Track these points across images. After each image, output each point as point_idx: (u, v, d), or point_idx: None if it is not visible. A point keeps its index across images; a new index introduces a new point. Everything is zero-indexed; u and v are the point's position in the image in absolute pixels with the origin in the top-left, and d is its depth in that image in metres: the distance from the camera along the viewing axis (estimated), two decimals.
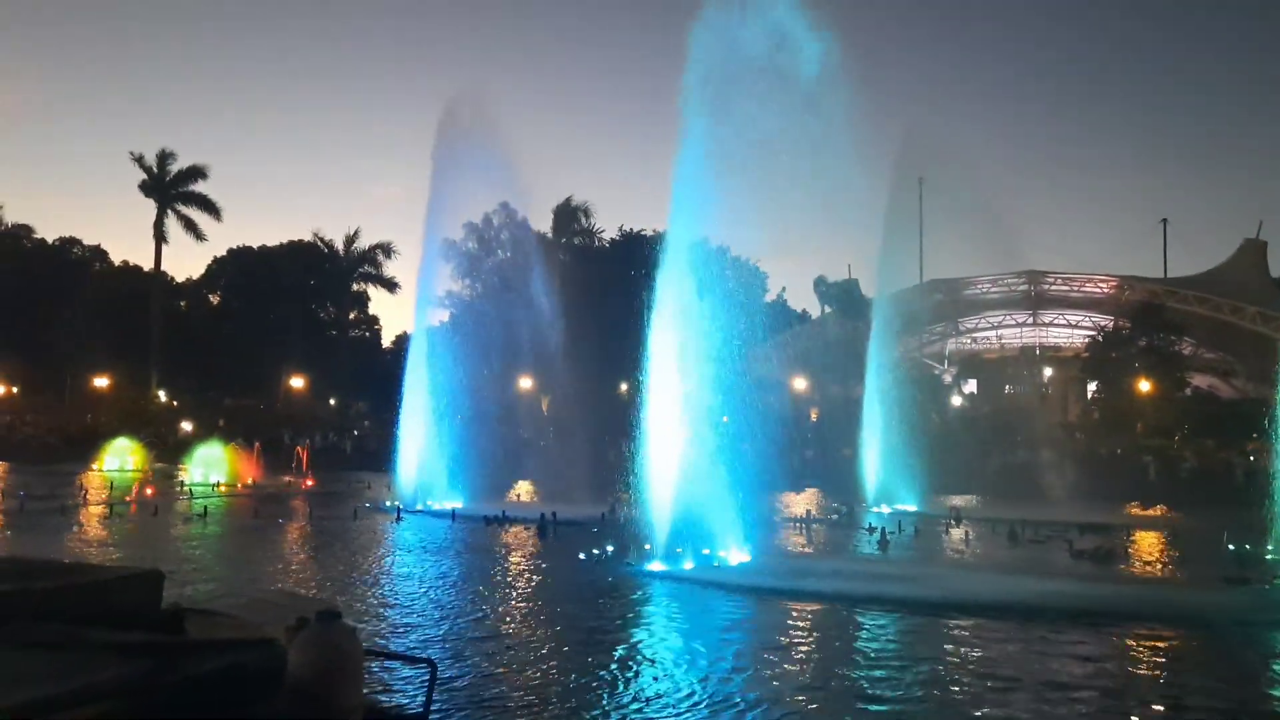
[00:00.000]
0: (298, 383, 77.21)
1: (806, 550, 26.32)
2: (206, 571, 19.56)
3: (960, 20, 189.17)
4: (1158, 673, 13.17)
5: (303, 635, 3.95)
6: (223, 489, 40.63)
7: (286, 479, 45.30)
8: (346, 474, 49.71)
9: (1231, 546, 26.20)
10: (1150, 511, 40.88)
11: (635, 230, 76.70)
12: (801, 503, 38.62)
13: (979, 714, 10.85)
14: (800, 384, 67.39)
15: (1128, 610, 16.94)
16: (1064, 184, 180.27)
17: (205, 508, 31.35)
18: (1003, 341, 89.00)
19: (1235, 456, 53.46)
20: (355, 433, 70.42)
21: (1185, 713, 11.09)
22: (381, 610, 15.90)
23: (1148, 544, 30.09)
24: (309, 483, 44.29)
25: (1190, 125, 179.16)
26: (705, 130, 22.50)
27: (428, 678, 4.43)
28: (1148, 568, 24.84)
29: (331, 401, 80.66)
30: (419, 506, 33.80)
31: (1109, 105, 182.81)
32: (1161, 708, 11.24)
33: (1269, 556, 25.20)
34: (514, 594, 18.32)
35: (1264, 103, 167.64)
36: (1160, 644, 14.71)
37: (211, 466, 44.76)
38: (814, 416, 64.35)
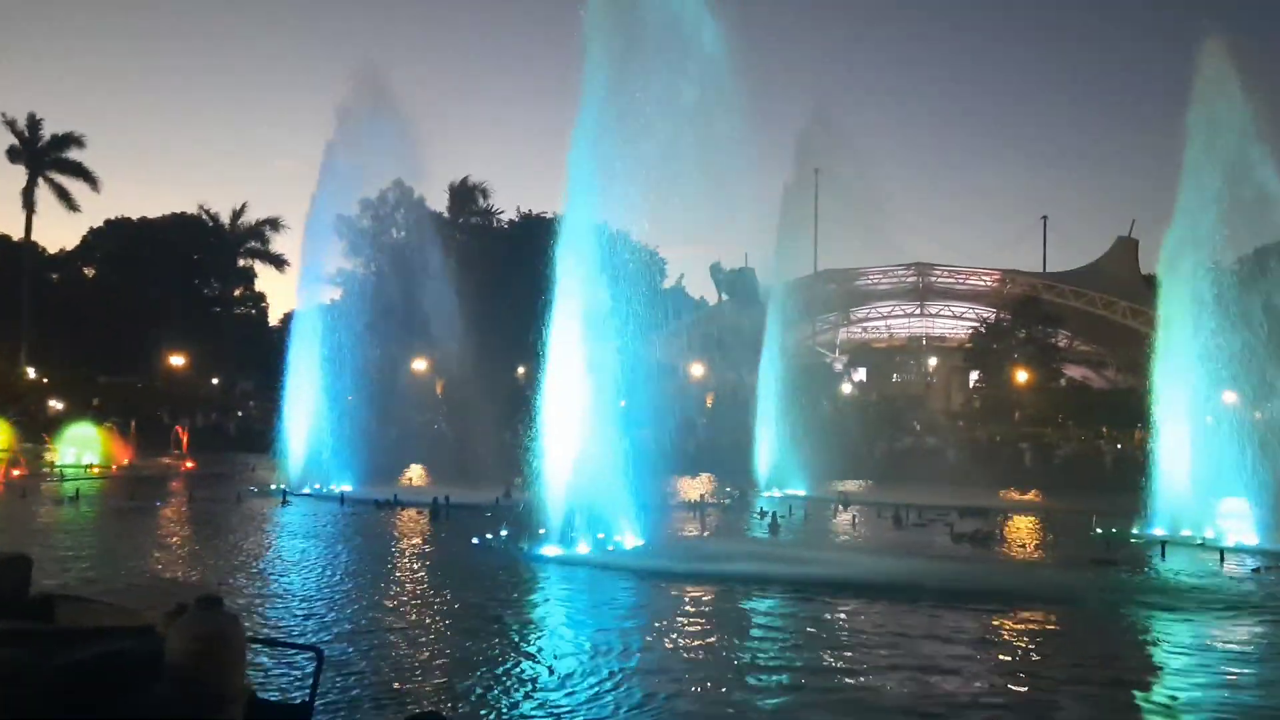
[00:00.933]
0: (178, 360, 74.31)
1: (700, 534, 26.65)
2: (79, 557, 18.71)
3: (855, 17, 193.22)
4: (1028, 645, 13.82)
5: (181, 622, 3.82)
6: (96, 470, 38.86)
7: (164, 460, 43.60)
8: (230, 455, 48.14)
9: (1099, 530, 27.60)
10: (1026, 496, 42.70)
11: (535, 212, 76.16)
12: (696, 487, 39.08)
13: (855, 682, 11.24)
14: (697, 370, 68.10)
15: (1002, 590, 17.72)
16: (952, 180, 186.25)
17: (77, 490, 29.98)
18: (891, 331, 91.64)
19: (1105, 444, 56.27)
20: (240, 413, 68.21)
21: (1050, 684, 11.66)
22: (265, 597, 15.49)
23: (1023, 527, 31.46)
24: (189, 464, 42.75)
25: (1070, 126, 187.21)
26: (602, 114, 22.42)
27: (314, 665, 4.34)
28: (1022, 550, 25.97)
29: (215, 380, 77.88)
30: (306, 490, 32.95)
31: (994, 104, 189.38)
32: (1028, 683, 11.78)
33: (1134, 539, 26.60)
34: (404, 579, 18.07)
35: (1139, 106, 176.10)
36: (1032, 623, 15.41)
37: (84, 447, 42.68)
38: (709, 402, 65.10)
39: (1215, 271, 28.55)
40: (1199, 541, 25.79)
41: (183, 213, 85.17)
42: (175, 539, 22.61)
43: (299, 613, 14.25)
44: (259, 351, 70.57)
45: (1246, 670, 12.97)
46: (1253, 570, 21.59)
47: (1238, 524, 26.35)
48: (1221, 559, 22.74)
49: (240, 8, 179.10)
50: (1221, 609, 16.91)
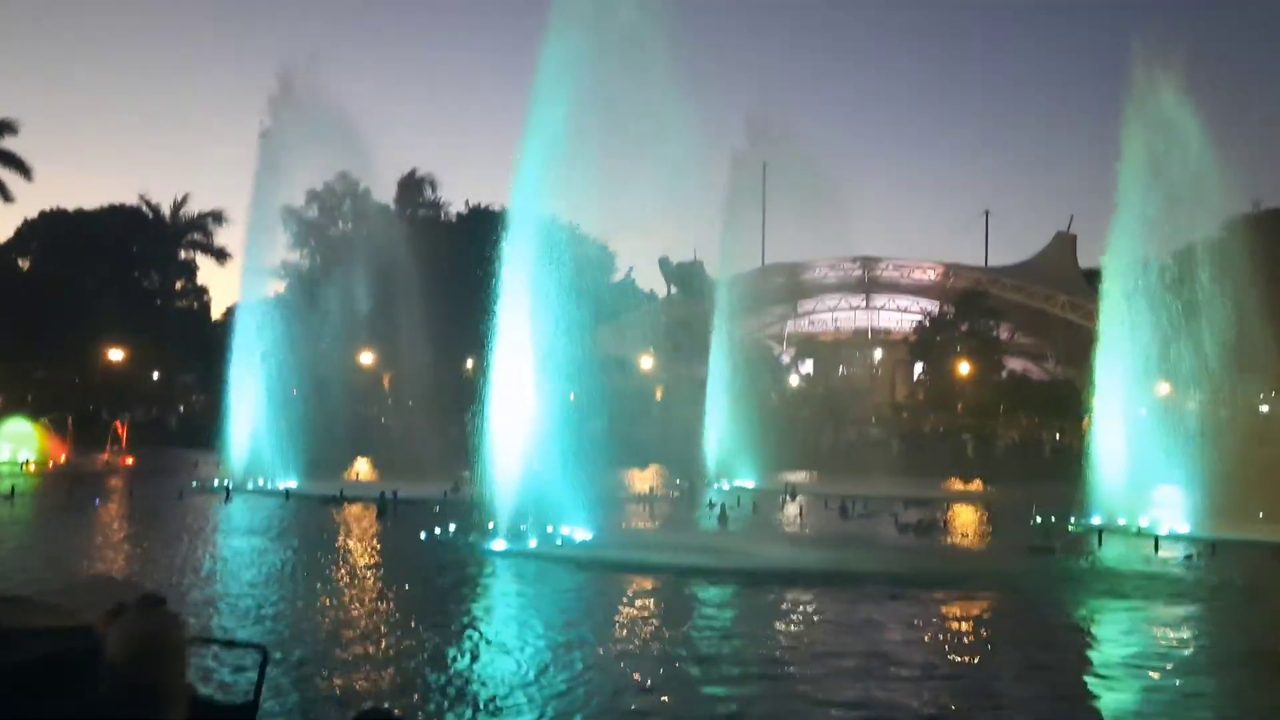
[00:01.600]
0: (117, 354, 72.61)
1: (649, 526, 26.75)
2: (16, 557, 18.28)
3: (800, 13, 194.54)
4: (967, 628, 14.17)
5: (121, 622, 3.77)
6: (32, 468, 37.93)
7: (103, 457, 42.65)
8: (171, 451, 47.24)
9: (1039, 519, 28.20)
10: (968, 486, 43.47)
11: (483, 205, 75.59)
12: (645, 479, 39.20)
13: (800, 672, 11.39)
14: (646, 363, 68.21)
15: (945, 578, 18.09)
16: (896, 174, 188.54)
17: (13, 488, 29.17)
18: (838, 324, 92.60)
19: (1044, 434, 57.53)
20: (181, 408, 66.92)
21: (991, 666, 11.98)
22: (208, 595, 15.27)
23: (965, 517, 32.05)
24: (128, 460, 41.88)
25: (1010, 121, 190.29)
26: (553, 108, 22.38)
27: (259, 664, 4.30)
28: (964, 539, 26.47)
29: (155, 375, 76.32)
30: (250, 485, 32.47)
31: (936, 98, 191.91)
32: (969, 666, 12.05)
33: (1071, 528, 27.23)
34: (349, 576, 17.90)
35: (1078, 102, 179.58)
36: (973, 608, 15.78)
37: (20, 443, 41.58)
38: (659, 395, 65.28)
39: (1151, 267, 29.32)
40: (1135, 530, 26.46)
41: (122, 204, 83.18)
42: (115, 537, 22.16)
43: (243, 611, 14.06)
44: (201, 345, 69.11)
45: (1180, 651, 13.44)
46: (1185, 558, 22.22)
47: (1171, 512, 27.11)
48: (1156, 547, 23.36)
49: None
50: (1156, 595, 17.44)
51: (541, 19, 23.04)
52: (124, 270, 79.46)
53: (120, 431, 47.48)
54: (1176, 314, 28.48)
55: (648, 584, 17.22)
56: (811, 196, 47.20)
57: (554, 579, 17.54)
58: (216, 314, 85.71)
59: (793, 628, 14.06)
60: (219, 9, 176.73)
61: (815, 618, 14.72)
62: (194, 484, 32.83)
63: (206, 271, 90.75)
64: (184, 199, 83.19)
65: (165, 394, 73.55)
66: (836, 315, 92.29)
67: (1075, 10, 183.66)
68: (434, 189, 78.74)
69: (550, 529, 20.97)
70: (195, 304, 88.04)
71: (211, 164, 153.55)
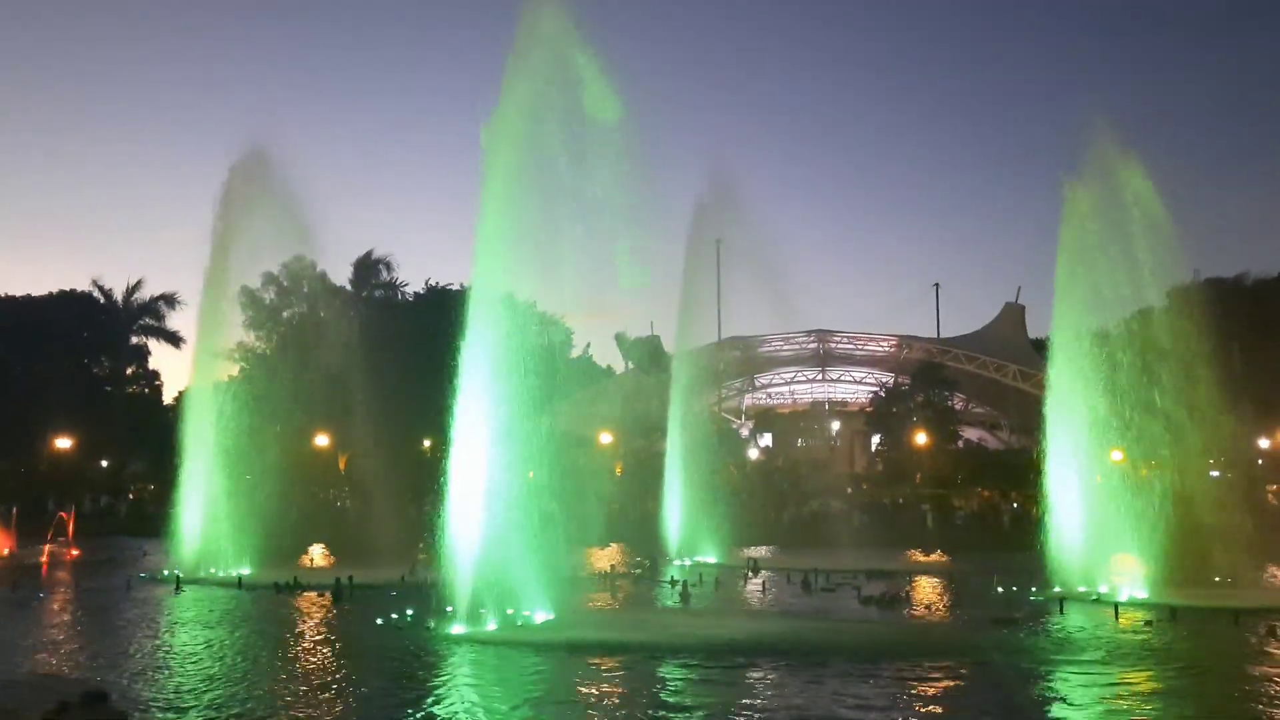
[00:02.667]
0: (64, 442, 71.00)
1: (611, 605, 26.39)
2: None
3: (751, 92, 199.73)
4: (935, 705, 14.06)
5: None
6: None
7: (49, 548, 41.38)
8: (120, 541, 45.99)
9: (1000, 589, 28.27)
10: (929, 558, 43.48)
11: (441, 284, 75.70)
12: (606, 558, 38.76)
13: None
14: (605, 439, 67.95)
15: (910, 651, 18.03)
16: (848, 249, 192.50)
17: None
18: (795, 397, 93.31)
19: (1002, 504, 57.90)
20: (131, 496, 65.30)
21: None
22: (155, 692, 14.72)
23: (928, 588, 32.01)
24: (75, 551, 40.68)
25: (958, 195, 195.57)
26: (510, 188, 22.64)
27: None
28: (928, 611, 26.40)
29: (104, 463, 74.65)
30: (202, 574, 31.62)
31: (886, 174, 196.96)
32: None
33: (1033, 597, 27.30)
34: (304, 666, 17.39)
35: (1024, 175, 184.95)
36: (938, 681, 15.73)
37: None
38: (619, 471, 64.92)
39: (1097, 336, 29.97)
40: (1094, 597, 26.61)
41: (73, 290, 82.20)
42: (60, 632, 21.38)
43: (192, 707, 13.58)
44: (152, 431, 67.79)
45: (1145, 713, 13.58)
46: (1145, 623, 22.32)
47: (1130, 579, 27.31)
48: (1116, 614, 23.47)
49: (134, 78, 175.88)
50: (1118, 661, 17.54)
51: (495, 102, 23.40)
52: (74, 356, 78.12)
53: (67, 522, 46.19)
54: (1124, 383, 29.06)
55: (609, 664, 16.93)
56: (766, 271, 47.88)
57: (514, 664, 17.18)
58: (169, 398, 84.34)
59: (753, 701, 13.95)
60: (172, 92, 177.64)
61: (775, 690, 14.62)
62: (142, 574, 31.93)
63: (160, 356, 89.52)
64: (137, 283, 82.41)
65: (114, 482, 71.86)
66: (794, 388, 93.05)
67: (1019, 87, 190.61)
68: (390, 270, 78.77)
69: (510, 611, 20.63)
70: (147, 389, 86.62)
71: (166, 247, 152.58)
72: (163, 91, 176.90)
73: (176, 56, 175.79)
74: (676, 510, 41.75)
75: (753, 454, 78.00)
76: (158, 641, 19.97)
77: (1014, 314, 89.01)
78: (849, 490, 62.03)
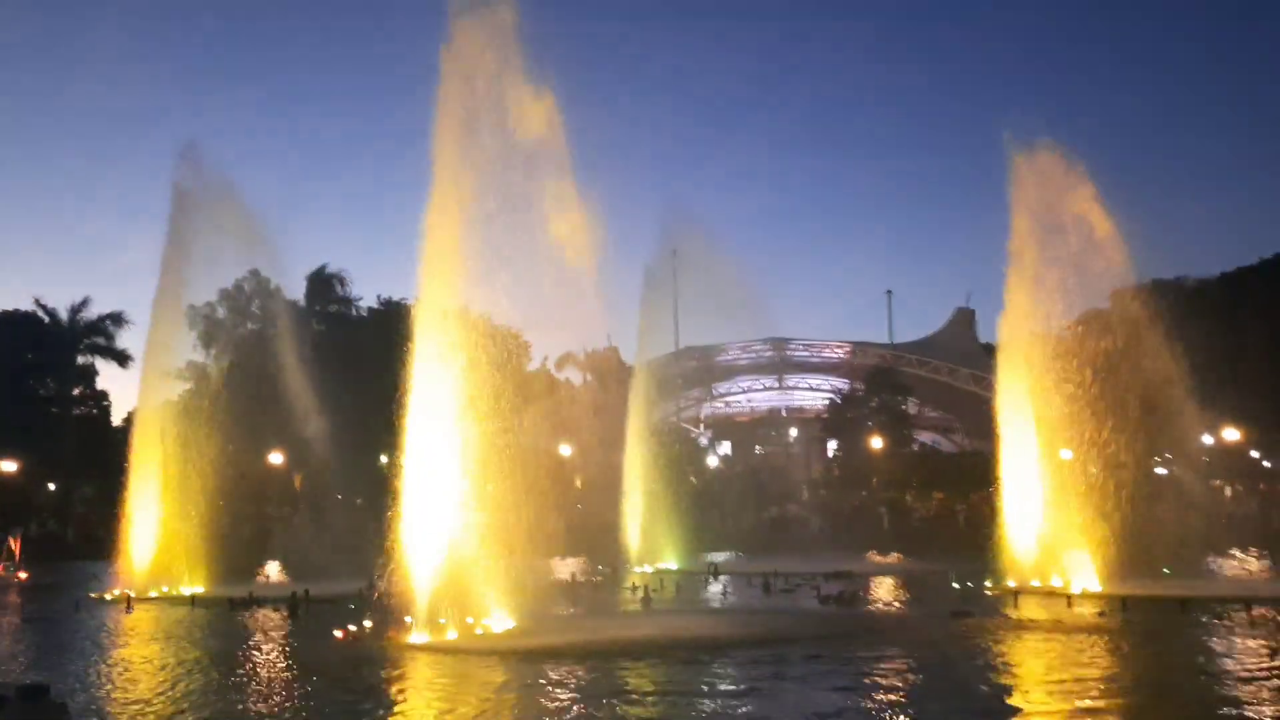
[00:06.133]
0: (9, 466, 69.37)
1: (571, 612, 26.33)
2: None
3: (709, 106, 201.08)
4: (893, 680, 14.45)
5: (3, 714, 3.63)
6: None
7: None
8: (69, 565, 45.04)
9: (957, 584, 28.72)
10: (887, 559, 43.91)
11: (395, 299, 75.13)
12: (567, 567, 38.65)
13: None
14: (564, 450, 67.76)
15: (868, 639, 18.64)
16: (801, 258, 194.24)
17: None
18: (753, 405, 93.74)
19: (957, 505, 58.62)
20: (79, 519, 63.85)
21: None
22: (105, 708, 14.42)
23: (886, 587, 32.36)
24: (22, 575, 39.75)
25: (907, 202, 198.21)
26: (457, 200, 22.59)
27: None
28: (886, 607, 26.72)
29: (51, 486, 73.02)
30: (153, 594, 31.07)
31: (837, 185, 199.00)
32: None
33: (988, 591, 27.76)
34: (257, 679, 17.07)
35: (973, 182, 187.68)
36: (894, 660, 16.46)
37: None
38: (579, 483, 64.76)
39: (1044, 338, 30.59)
40: (1048, 590, 27.11)
41: (15, 310, 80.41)
42: (7, 653, 20.88)
43: (141, 715, 13.34)
44: (101, 453, 66.47)
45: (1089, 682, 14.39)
46: (1099, 614, 22.80)
47: (1082, 572, 27.85)
48: (1069, 604, 23.94)
49: (76, 94, 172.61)
50: (1068, 638, 18.17)
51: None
52: (18, 378, 76.40)
53: (14, 546, 45.09)
54: (1073, 383, 29.67)
55: (568, 669, 16.90)
56: (721, 281, 48.26)
57: (474, 671, 17.09)
58: (118, 419, 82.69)
59: (714, 695, 14.14)
60: (115, 107, 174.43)
61: (738, 685, 14.83)
62: (92, 595, 31.29)
63: (108, 376, 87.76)
64: (83, 302, 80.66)
65: (62, 505, 70.33)
66: (751, 396, 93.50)
67: (967, 95, 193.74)
68: (344, 285, 78.04)
69: (470, 620, 20.53)
70: (95, 410, 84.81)
71: (113, 266, 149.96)
72: (106, 106, 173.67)
73: (120, 75, 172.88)
74: (637, 519, 41.81)
75: (712, 462, 78.23)
76: (108, 659, 19.57)
77: (965, 318, 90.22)
78: (806, 495, 62.47)
